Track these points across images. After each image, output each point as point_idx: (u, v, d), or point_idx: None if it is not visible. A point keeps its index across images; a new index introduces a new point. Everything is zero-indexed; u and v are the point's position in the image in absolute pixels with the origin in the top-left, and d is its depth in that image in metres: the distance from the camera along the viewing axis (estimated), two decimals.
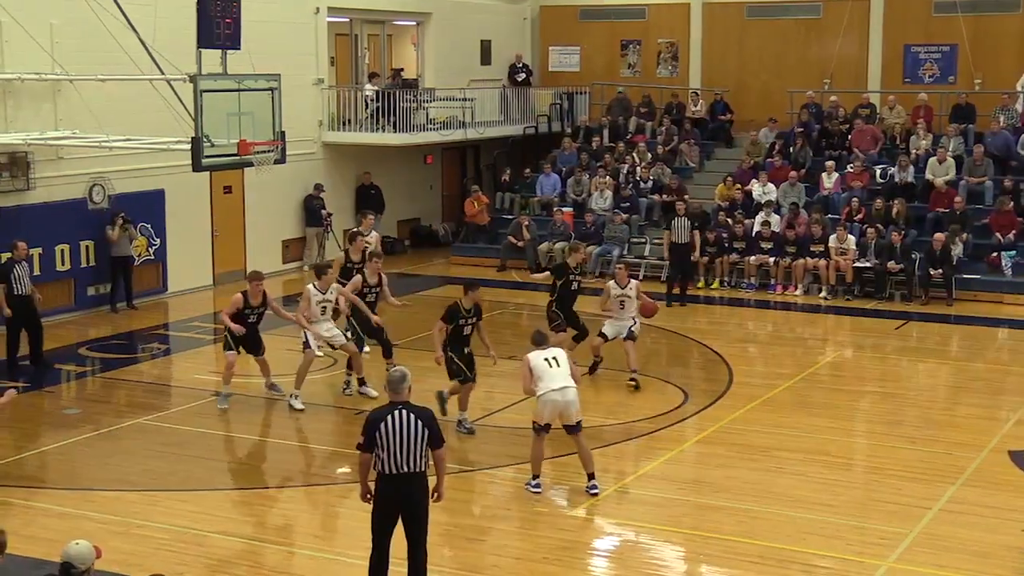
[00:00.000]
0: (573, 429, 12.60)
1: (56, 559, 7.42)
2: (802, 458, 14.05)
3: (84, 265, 21.45)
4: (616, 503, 12.59)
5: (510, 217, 27.47)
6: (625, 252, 25.53)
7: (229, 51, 17.53)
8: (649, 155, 28.04)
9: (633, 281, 17.12)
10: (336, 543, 11.52)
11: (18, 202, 20.24)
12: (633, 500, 12.76)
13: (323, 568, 10.97)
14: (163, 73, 18.37)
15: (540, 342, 12.87)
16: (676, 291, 22.94)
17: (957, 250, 23.08)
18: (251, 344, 15.89)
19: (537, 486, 12.67)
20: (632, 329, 16.95)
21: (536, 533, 11.72)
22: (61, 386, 17.35)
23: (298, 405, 15.72)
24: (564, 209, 26.73)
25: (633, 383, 16.76)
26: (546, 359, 12.54)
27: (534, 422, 12.62)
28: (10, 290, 17.49)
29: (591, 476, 12.67)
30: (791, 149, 27.03)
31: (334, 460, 14.33)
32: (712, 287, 24.40)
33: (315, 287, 15.87)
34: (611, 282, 17.15)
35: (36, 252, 20.36)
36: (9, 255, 18.02)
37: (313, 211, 26.05)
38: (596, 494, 12.59)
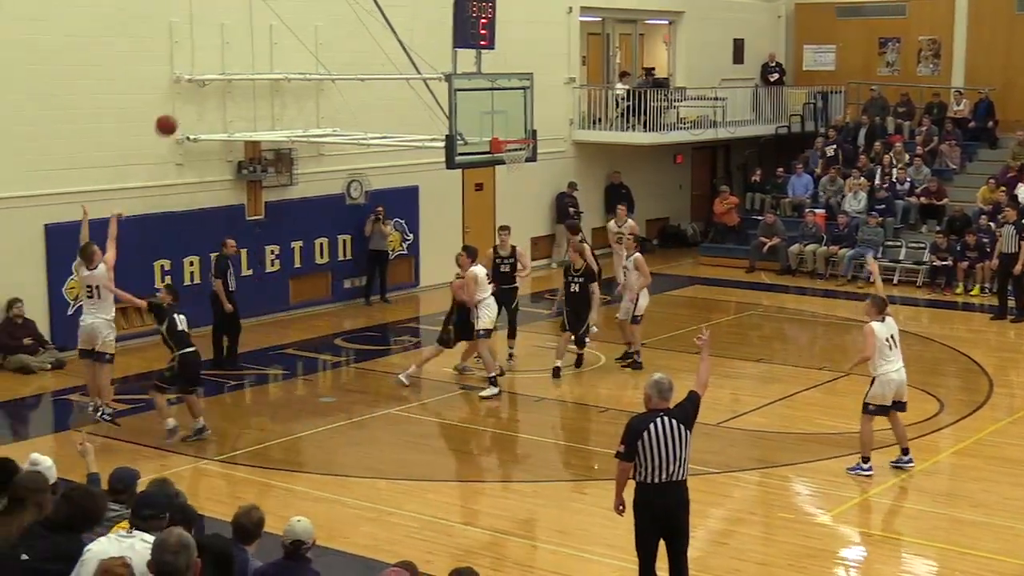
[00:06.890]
0: (900, 407, 13.01)
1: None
2: None
3: (341, 259, 22.19)
4: (865, 512, 12.23)
5: (760, 218, 27.04)
6: (879, 255, 24.78)
7: (483, 51, 17.79)
8: (907, 156, 27.15)
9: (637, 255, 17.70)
10: (578, 539, 11.51)
11: (281, 197, 21.11)
12: (884, 510, 12.39)
13: (564, 564, 11.00)
14: (419, 73, 18.79)
15: (882, 309, 12.84)
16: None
17: None
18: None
19: (868, 469, 12.93)
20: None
21: (780, 539, 11.49)
22: (317, 375, 18.01)
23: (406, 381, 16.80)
24: (816, 211, 26.16)
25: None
26: (887, 338, 12.72)
27: (868, 404, 12.86)
28: (226, 285, 17.82)
29: (905, 451, 13.16)
30: None
31: (581, 457, 14.40)
32: (972, 293, 23.41)
33: None
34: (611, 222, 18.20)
35: (297, 245, 21.23)
36: (222, 252, 18.13)
37: (563, 209, 26.21)
38: (902, 467, 13.11)
